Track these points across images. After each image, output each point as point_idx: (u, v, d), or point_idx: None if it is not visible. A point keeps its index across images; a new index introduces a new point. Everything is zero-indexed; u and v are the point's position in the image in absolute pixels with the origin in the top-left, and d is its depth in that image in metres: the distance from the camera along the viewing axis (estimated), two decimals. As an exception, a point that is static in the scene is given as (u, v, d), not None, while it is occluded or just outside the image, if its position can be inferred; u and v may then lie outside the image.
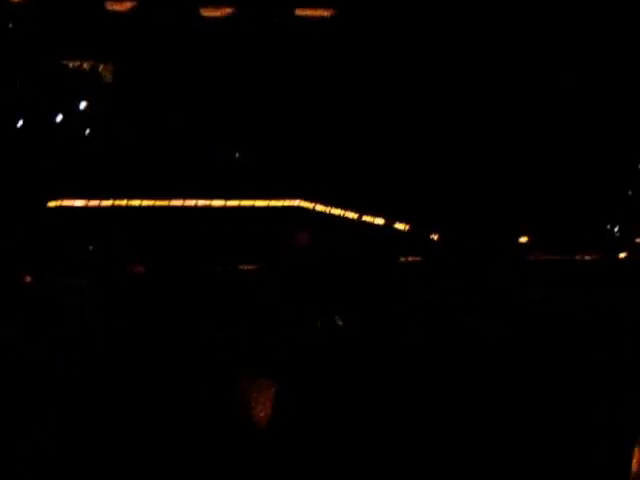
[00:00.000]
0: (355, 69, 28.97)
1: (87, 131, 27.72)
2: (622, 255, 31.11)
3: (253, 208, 28.16)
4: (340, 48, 29.20)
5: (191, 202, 27.87)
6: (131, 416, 9.45)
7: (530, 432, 8.84)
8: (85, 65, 27.32)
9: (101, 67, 27.49)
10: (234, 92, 28.41)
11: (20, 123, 27.19)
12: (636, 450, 7.65)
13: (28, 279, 24.68)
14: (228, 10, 28.78)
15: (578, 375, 11.79)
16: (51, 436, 8.96)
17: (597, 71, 30.06)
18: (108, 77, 27.64)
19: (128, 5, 27.85)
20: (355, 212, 28.63)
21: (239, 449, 8.32)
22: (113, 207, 27.47)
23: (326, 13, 29.02)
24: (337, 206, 28.49)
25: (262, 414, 9.49)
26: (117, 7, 27.83)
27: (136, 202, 27.65)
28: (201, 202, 27.95)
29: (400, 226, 29.34)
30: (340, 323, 17.62)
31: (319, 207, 28.34)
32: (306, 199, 28.19)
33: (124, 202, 27.57)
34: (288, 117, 28.62)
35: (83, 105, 27.90)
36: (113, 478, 7.55)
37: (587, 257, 31.16)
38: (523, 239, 31.29)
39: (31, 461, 6.93)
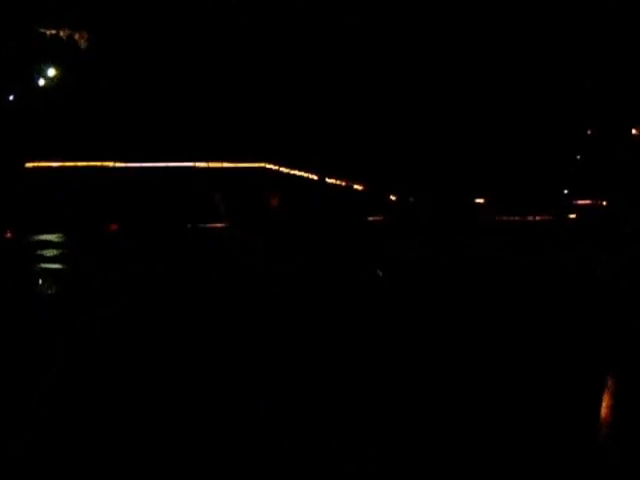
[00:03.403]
0: (311, 43, 29.32)
1: (63, 97, 28.06)
2: (571, 216, 31.94)
3: (221, 169, 28.73)
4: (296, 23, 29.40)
5: (162, 164, 28.33)
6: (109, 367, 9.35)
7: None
8: (62, 33, 27.51)
9: (77, 35, 27.87)
10: (205, 61, 28.84)
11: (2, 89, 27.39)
12: (605, 396, 7.66)
13: (9, 234, 25.11)
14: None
15: (528, 323, 11.89)
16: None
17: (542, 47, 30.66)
18: (84, 44, 27.81)
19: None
20: (317, 174, 29.35)
21: (211, 375, 8.27)
22: (88, 168, 27.87)
23: None
24: (300, 169, 29.12)
25: (238, 342, 9.82)
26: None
27: (110, 163, 28.04)
28: (171, 164, 28.44)
29: (359, 187, 29.86)
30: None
31: (283, 169, 28.99)
32: (270, 162, 28.84)
33: (98, 163, 27.96)
34: (253, 82, 29.04)
35: (59, 71, 28.12)
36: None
37: (538, 218, 31.94)
38: (479, 200, 32.06)
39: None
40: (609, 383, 7.61)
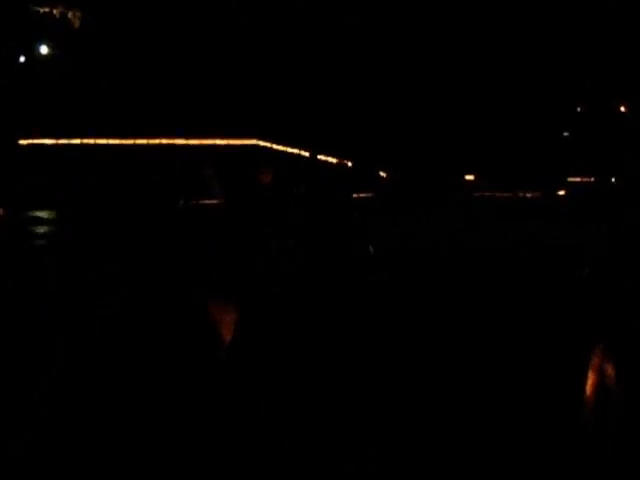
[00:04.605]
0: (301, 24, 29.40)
1: (56, 75, 28.02)
2: (561, 192, 32.08)
3: (214, 146, 28.72)
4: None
5: (155, 140, 28.43)
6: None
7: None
8: (55, 11, 27.49)
9: (70, 13, 27.88)
10: (199, 39, 28.96)
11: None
12: (589, 374, 7.19)
13: (0, 211, 25.22)
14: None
15: (518, 302, 11.84)
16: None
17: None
18: (77, 23, 27.81)
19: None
20: (309, 151, 29.45)
21: (211, 372, 8.22)
22: (81, 145, 27.93)
23: None
24: (292, 145, 29.26)
25: (226, 336, 9.80)
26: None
27: (103, 140, 28.12)
28: (164, 141, 28.50)
29: (350, 163, 29.95)
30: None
31: (275, 146, 29.11)
32: (263, 139, 28.97)
33: (91, 141, 28.03)
34: (246, 61, 29.12)
35: (53, 49, 28.10)
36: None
37: (528, 194, 32.06)
38: (470, 177, 32.19)
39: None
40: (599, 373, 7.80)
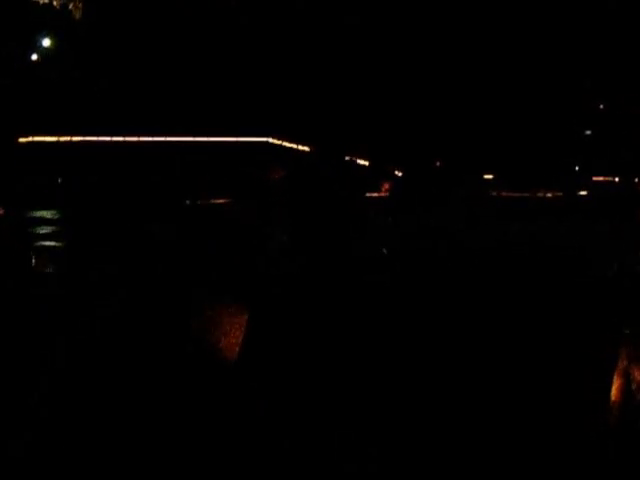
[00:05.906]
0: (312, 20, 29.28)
1: (57, 69, 27.82)
2: (582, 193, 31.90)
3: (224, 143, 28.46)
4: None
5: (161, 138, 28.13)
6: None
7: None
8: (55, 2, 27.38)
9: (71, 4, 27.60)
10: (207, 32, 28.56)
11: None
12: (615, 377, 7.82)
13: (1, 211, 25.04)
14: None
15: (539, 302, 11.76)
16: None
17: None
18: (78, 15, 27.75)
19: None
20: (321, 148, 29.08)
21: (212, 373, 8.43)
22: (84, 143, 27.73)
23: None
24: (303, 143, 28.88)
25: (234, 339, 9.67)
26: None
27: (106, 138, 27.95)
28: (171, 138, 28.26)
29: (364, 162, 29.80)
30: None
31: (287, 144, 28.74)
32: (275, 136, 28.56)
33: (94, 138, 27.87)
34: (254, 57, 28.87)
35: (53, 43, 27.98)
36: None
37: (549, 194, 31.93)
38: (488, 176, 31.98)
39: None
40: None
